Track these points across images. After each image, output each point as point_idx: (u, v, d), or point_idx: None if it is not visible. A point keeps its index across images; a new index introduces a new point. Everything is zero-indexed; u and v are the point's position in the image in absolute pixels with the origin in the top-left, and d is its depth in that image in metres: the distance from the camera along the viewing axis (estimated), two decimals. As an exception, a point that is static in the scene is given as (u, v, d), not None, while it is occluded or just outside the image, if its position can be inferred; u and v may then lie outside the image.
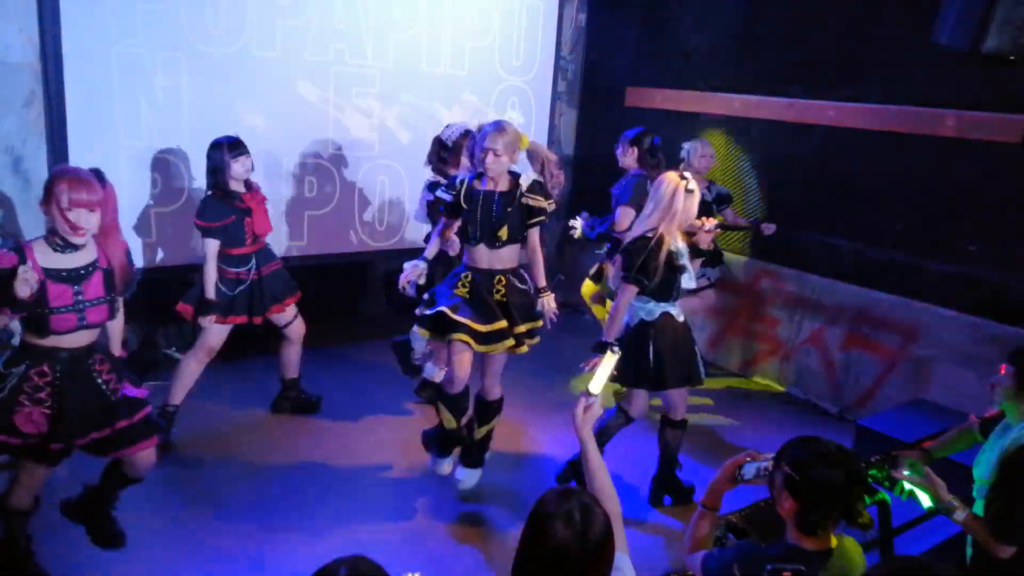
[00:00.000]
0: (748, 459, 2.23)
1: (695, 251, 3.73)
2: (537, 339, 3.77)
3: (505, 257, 3.63)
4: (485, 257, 3.62)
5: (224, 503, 3.67)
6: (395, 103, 5.61)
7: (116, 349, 3.07)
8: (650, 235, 3.54)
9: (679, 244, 3.62)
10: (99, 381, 2.87)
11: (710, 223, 3.70)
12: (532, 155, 3.76)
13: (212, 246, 4.04)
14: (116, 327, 3.08)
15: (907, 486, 2.63)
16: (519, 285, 3.67)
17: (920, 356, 4.77)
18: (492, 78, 6.13)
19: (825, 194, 5.24)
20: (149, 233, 4.78)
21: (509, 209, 3.55)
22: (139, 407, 2.96)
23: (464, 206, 3.58)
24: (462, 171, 3.91)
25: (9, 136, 4.23)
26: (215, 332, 4.13)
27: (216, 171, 4.06)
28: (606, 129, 6.79)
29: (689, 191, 3.54)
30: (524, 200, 3.57)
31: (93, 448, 2.88)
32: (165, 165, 4.76)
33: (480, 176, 3.63)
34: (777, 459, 2.09)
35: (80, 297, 2.75)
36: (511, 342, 3.62)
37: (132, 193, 4.66)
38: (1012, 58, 3.86)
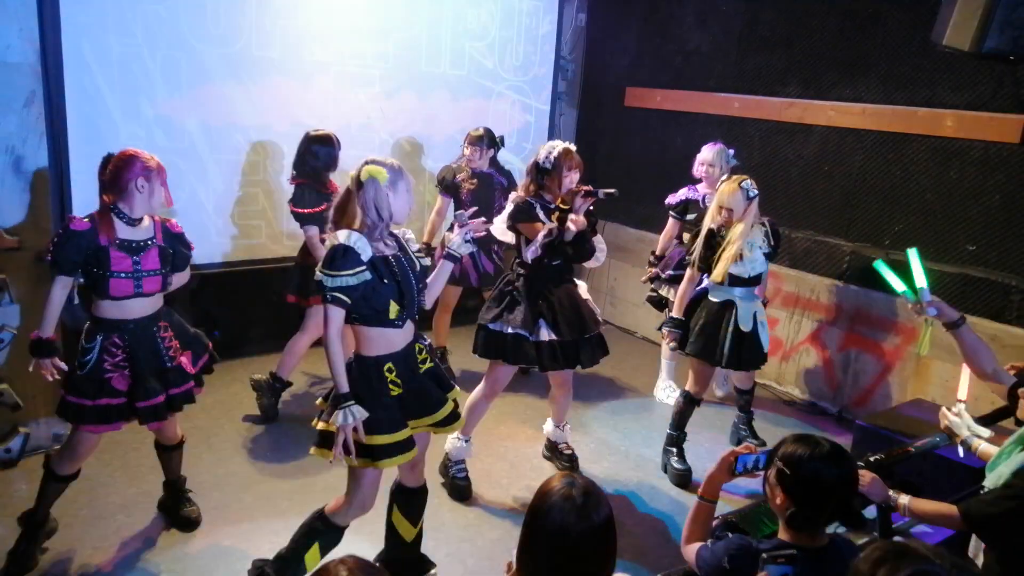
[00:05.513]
0: (745, 451, 2.25)
1: None
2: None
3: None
4: (403, 334, 2.82)
5: (225, 503, 3.68)
6: (395, 103, 5.61)
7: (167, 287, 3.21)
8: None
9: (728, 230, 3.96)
10: (162, 347, 3.10)
11: None
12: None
13: (311, 231, 4.30)
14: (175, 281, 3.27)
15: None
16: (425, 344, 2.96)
17: (919, 356, 4.76)
18: (492, 78, 6.13)
19: (824, 194, 5.24)
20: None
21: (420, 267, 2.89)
22: (185, 379, 3.18)
23: (385, 280, 2.68)
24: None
25: (9, 136, 4.22)
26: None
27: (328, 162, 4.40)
28: (606, 129, 6.82)
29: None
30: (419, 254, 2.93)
31: (151, 413, 3.07)
32: (166, 165, 4.73)
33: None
34: (772, 455, 2.11)
35: (139, 267, 2.99)
36: (449, 406, 2.96)
37: (132, 193, 4.65)
38: (1012, 58, 3.87)
